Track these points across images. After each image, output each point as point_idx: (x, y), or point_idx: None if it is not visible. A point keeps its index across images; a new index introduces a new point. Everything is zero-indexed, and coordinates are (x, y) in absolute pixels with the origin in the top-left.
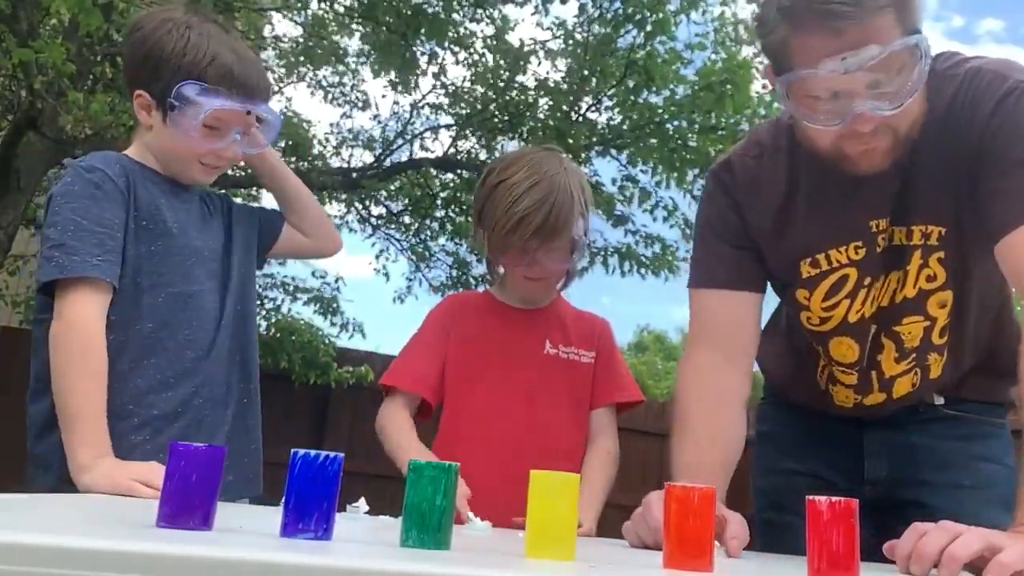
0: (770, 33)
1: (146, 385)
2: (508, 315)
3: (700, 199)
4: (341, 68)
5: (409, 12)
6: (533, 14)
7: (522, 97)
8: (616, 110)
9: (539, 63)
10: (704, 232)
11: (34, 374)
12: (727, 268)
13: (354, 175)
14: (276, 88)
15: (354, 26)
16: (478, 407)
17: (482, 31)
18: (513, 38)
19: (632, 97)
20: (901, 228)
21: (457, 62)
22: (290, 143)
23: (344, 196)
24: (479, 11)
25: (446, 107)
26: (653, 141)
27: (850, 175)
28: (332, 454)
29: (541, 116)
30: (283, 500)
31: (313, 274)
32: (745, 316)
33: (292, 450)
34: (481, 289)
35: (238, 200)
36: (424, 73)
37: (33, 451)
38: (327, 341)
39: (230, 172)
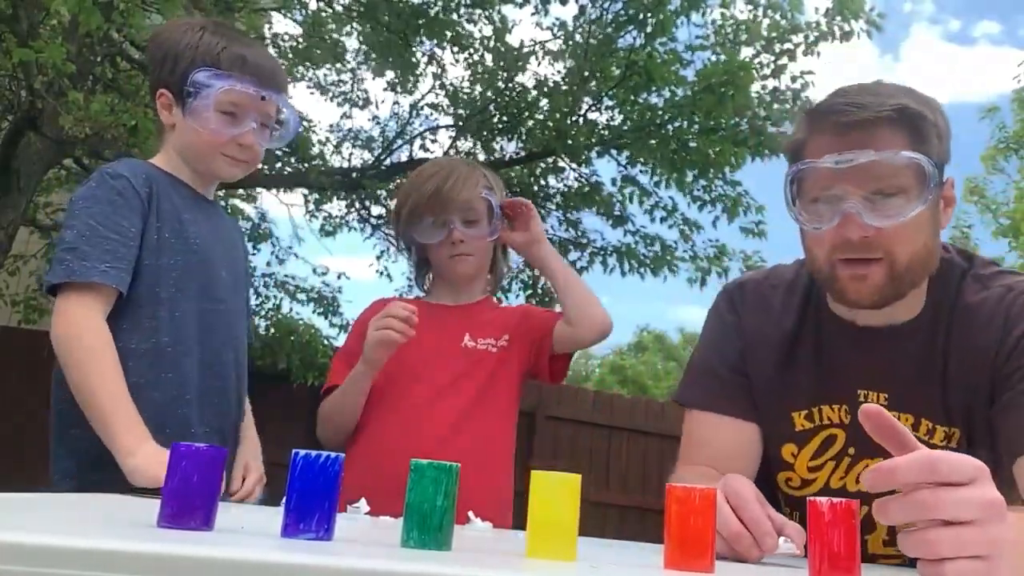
0: (794, 134)
1: (162, 399)
2: (429, 312)
3: (708, 312)
4: (340, 67)
5: (409, 12)
6: (532, 14)
7: (522, 97)
8: (616, 111)
9: (539, 64)
10: (706, 351)
11: (57, 379)
12: (729, 394)
13: (354, 175)
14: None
15: (355, 25)
16: (395, 404)
17: (481, 31)
18: (513, 39)
19: (632, 97)
20: (907, 415)
21: (456, 61)
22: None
23: (344, 196)
24: (478, 11)
25: (445, 107)
26: (653, 142)
27: (851, 330)
28: (333, 455)
29: (541, 116)
30: (284, 500)
31: (314, 271)
32: (745, 446)
33: (293, 451)
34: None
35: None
36: (424, 73)
37: (54, 454)
38: (326, 342)
39: None
